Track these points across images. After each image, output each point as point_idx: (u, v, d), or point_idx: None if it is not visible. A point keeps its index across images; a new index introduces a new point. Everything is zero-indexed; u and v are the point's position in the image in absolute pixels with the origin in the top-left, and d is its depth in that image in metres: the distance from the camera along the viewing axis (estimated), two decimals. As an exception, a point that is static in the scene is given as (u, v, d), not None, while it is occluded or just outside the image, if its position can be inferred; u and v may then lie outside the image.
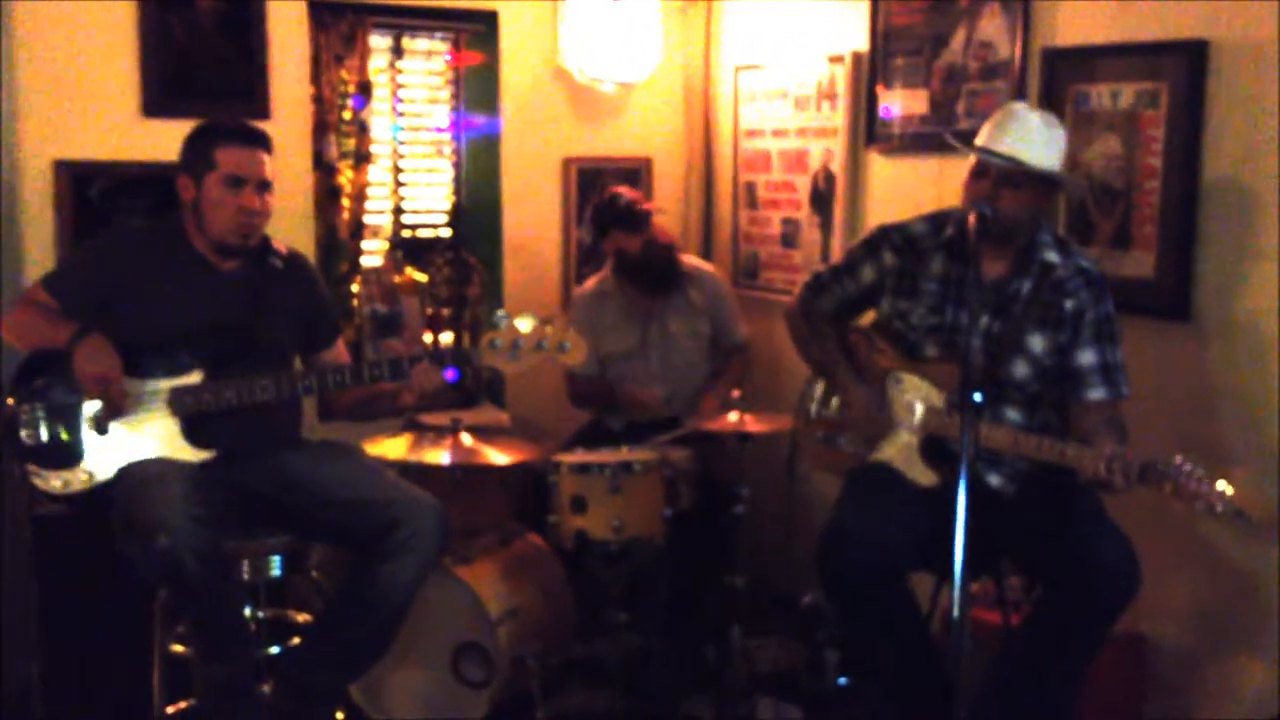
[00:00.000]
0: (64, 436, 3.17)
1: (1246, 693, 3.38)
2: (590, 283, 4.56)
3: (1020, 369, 3.12)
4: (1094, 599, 2.94)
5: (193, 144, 3.28)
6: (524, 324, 3.13)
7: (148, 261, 3.26)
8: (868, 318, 3.43)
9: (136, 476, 3.06)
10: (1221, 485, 2.67)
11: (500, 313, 3.16)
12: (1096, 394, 3.09)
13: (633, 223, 4.31)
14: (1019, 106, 3.15)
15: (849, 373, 3.35)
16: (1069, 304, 3.10)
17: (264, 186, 3.25)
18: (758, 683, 3.92)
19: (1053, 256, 3.12)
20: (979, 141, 3.10)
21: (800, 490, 3.83)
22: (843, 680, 3.75)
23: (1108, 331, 3.11)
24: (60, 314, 3.20)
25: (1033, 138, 3.03)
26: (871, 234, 3.38)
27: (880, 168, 4.40)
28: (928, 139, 4.08)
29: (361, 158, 4.48)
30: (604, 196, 4.42)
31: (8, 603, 3.78)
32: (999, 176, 3.03)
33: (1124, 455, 2.78)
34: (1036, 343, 3.11)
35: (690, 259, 4.64)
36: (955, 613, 2.44)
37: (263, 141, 3.28)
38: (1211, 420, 3.41)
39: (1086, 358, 3.10)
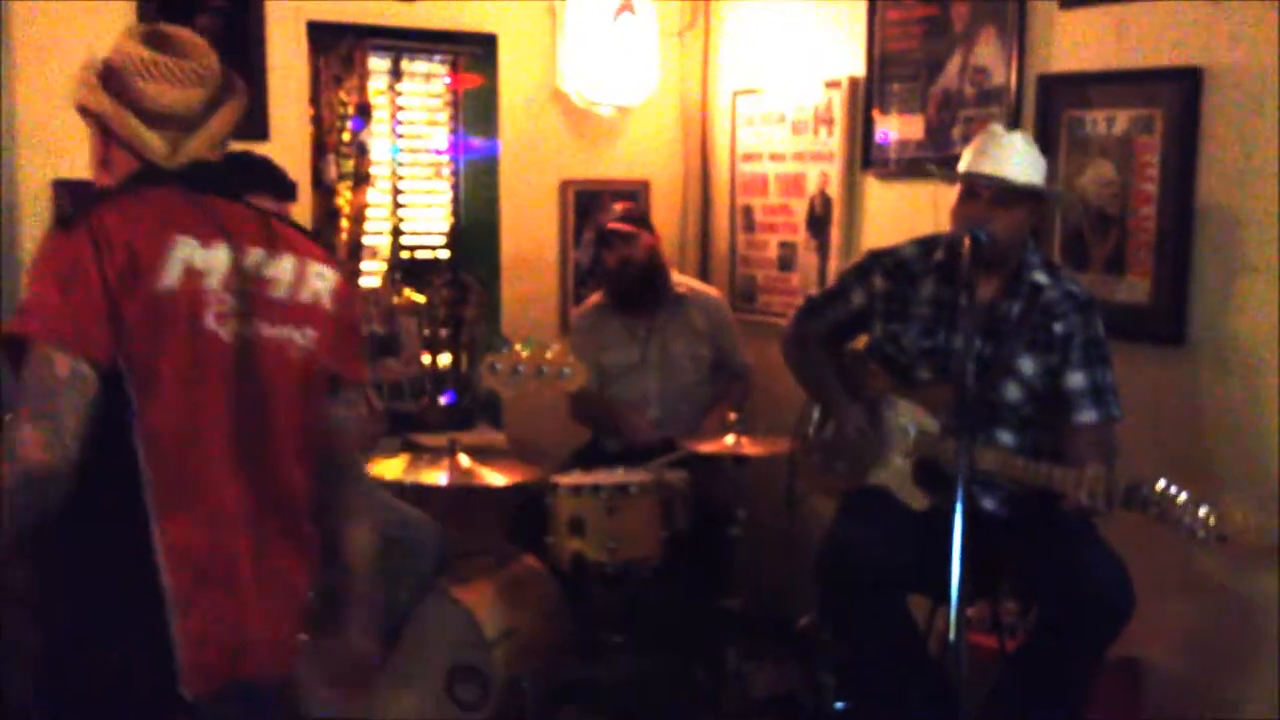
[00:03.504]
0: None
1: (1244, 718, 3.38)
2: (591, 300, 4.61)
3: (1012, 391, 3.13)
4: (1087, 620, 2.94)
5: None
6: (525, 349, 3.13)
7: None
8: (861, 341, 3.44)
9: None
10: (1204, 511, 2.69)
11: (501, 338, 3.15)
12: (1086, 416, 3.10)
13: (608, 239, 4.48)
14: (998, 129, 3.20)
15: (842, 395, 3.36)
16: (1058, 326, 3.11)
17: None
18: (753, 706, 3.91)
19: (1042, 278, 3.14)
20: (963, 166, 3.14)
21: (798, 513, 3.82)
22: (840, 705, 3.74)
23: (1097, 354, 3.12)
24: None
25: (1016, 157, 3.07)
26: (862, 259, 3.42)
27: (876, 192, 4.42)
28: (923, 164, 4.09)
29: (360, 179, 4.48)
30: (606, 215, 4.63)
31: (8, 617, 3.76)
32: (992, 197, 3.05)
33: (1106, 478, 2.80)
34: (1027, 365, 3.13)
35: (695, 283, 4.67)
36: (952, 635, 2.44)
37: (289, 195, 3.21)
38: (1207, 445, 3.42)
39: (1076, 380, 3.11)
